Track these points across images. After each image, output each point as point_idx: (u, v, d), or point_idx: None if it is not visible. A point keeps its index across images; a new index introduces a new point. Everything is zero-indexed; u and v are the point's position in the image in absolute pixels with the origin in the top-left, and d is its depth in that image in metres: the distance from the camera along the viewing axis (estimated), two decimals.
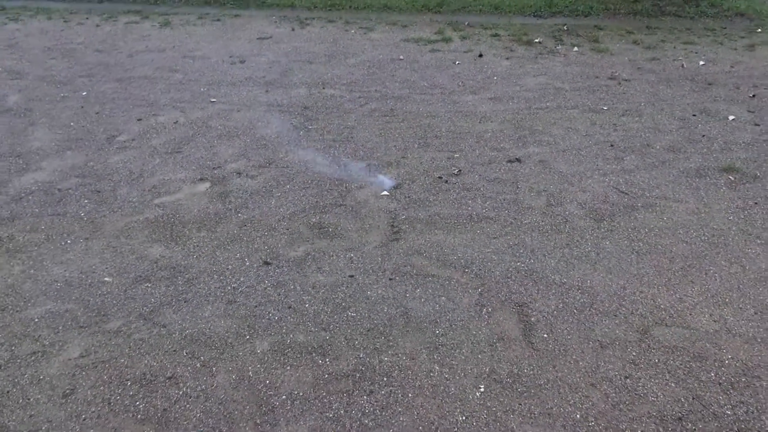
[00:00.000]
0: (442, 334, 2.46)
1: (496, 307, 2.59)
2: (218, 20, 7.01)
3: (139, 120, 4.43)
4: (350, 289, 2.72)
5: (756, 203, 3.21)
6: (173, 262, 2.91)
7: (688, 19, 6.50)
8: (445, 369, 2.29)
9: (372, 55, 5.76)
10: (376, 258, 2.92)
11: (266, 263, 2.90)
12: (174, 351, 2.39)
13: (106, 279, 2.80)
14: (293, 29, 6.65)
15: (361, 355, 2.36)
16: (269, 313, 2.60)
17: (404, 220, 3.21)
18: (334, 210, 3.32)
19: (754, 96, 4.53)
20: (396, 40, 6.19)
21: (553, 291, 2.66)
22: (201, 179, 3.63)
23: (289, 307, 2.63)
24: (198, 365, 2.32)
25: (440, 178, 3.60)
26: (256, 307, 2.63)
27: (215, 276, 2.82)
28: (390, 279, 2.78)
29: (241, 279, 2.80)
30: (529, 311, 2.56)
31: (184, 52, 5.93)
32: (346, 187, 3.53)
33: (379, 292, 2.70)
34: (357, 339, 2.45)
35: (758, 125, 4.07)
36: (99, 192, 3.51)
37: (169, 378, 2.27)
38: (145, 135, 4.20)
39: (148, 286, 2.75)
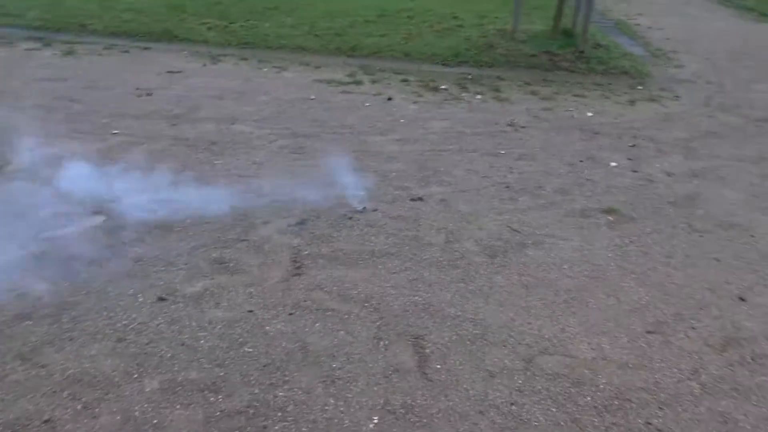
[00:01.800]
0: (338, 368, 2.48)
1: (393, 339, 2.65)
2: (126, 52, 6.86)
3: (31, 150, 4.22)
4: (248, 325, 2.70)
5: (631, 241, 3.50)
6: (59, 299, 2.77)
7: (579, 74, 7.06)
8: (340, 402, 2.31)
9: (283, 93, 5.83)
10: (277, 293, 2.92)
11: (161, 299, 2.83)
12: (53, 393, 2.26)
13: None
14: (205, 65, 6.62)
15: (256, 391, 2.33)
16: (161, 350, 2.52)
17: (307, 256, 3.24)
18: (236, 245, 3.29)
19: (633, 145, 4.97)
20: (308, 80, 6.30)
21: (448, 323, 2.76)
22: (96, 212, 3.50)
23: (183, 344, 2.56)
24: (79, 407, 2.21)
25: (345, 214, 3.67)
26: (147, 344, 2.55)
27: (104, 313, 2.71)
28: (290, 314, 2.78)
29: (133, 316, 2.71)
30: (425, 343, 2.64)
31: (86, 82, 5.75)
32: (250, 222, 3.52)
33: (278, 326, 2.70)
34: (253, 375, 2.42)
35: (636, 171, 4.47)
36: None
37: (46, 422, 2.14)
38: (38, 165, 4.01)
39: (29, 324, 2.60)
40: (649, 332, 2.74)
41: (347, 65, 6.90)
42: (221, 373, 2.41)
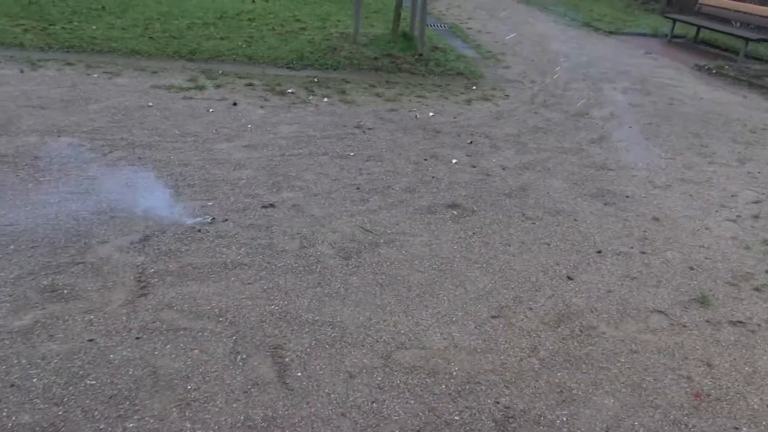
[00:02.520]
0: (194, 389, 2.37)
1: (251, 352, 2.59)
2: None
3: None
4: (89, 355, 2.49)
5: (474, 233, 3.75)
6: None
7: (420, 76, 7.40)
8: (197, 425, 2.21)
9: (118, 101, 5.44)
10: (121, 317, 2.72)
11: None
12: None
13: None
14: (22, 71, 5.96)
15: (102, 426, 2.16)
16: None
17: (153, 274, 3.05)
18: (71, 269, 3.02)
19: (471, 143, 5.32)
20: (145, 86, 5.93)
21: (306, 329, 2.76)
22: None
23: (12, 385, 2.30)
24: None
25: (192, 227, 3.51)
26: None
27: None
28: (137, 338, 2.61)
29: None
30: (284, 352, 2.61)
31: None
32: (85, 243, 3.24)
33: (124, 353, 2.52)
34: (97, 409, 2.24)
35: (474, 167, 4.79)
36: None
37: None
38: None
39: None
40: (493, 317, 2.95)
41: (187, 70, 6.60)
42: (60, 412, 2.20)
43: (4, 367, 2.38)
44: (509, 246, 3.63)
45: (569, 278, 3.35)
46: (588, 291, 3.25)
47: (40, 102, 5.19)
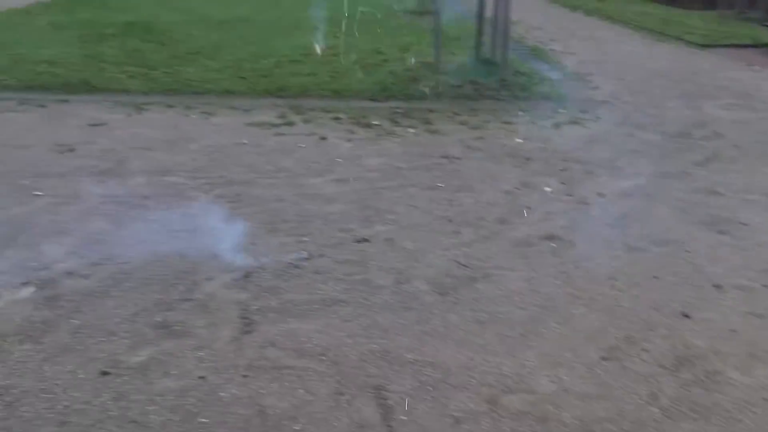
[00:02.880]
0: (301, 430, 2.38)
1: (355, 393, 2.58)
2: (43, 106, 6.54)
3: None
4: (201, 393, 2.56)
5: (575, 267, 3.60)
6: None
7: (504, 101, 7.31)
8: None
9: (215, 140, 5.70)
10: (228, 354, 2.80)
11: (104, 373, 2.64)
12: None
13: None
14: (129, 115, 6.40)
15: None
16: (109, 431, 2.34)
17: (256, 311, 3.13)
18: (181, 306, 3.14)
19: (564, 169, 5.16)
20: (239, 124, 6.20)
21: (408, 370, 2.72)
22: (24, 284, 3.26)
23: (133, 421, 2.40)
24: None
25: (290, 263, 3.58)
26: (92, 425, 2.37)
27: (43, 395, 2.50)
28: (244, 376, 2.67)
29: (75, 395, 2.52)
30: (387, 393, 2.58)
31: (1, 142, 5.42)
32: (192, 281, 3.38)
33: (233, 391, 2.57)
34: None
35: (570, 195, 4.63)
36: None
37: None
38: None
39: None
40: (604, 359, 2.80)
41: (277, 106, 6.84)
42: None
43: (124, 402, 2.49)
44: (615, 280, 3.45)
45: (685, 316, 3.13)
46: (709, 330, 3.02)
47: (145, 143, 5.53)
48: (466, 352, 2.84)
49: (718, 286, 3.40)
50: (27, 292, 3.20)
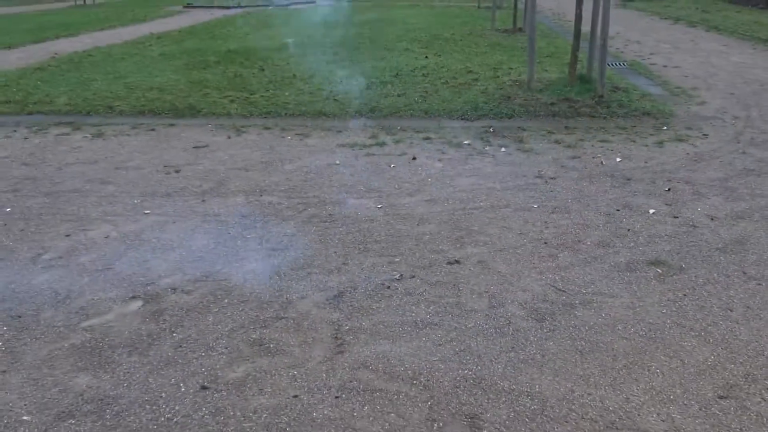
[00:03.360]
0: None
1: (447, 420, 2.51)
2: (152, 130, 7.01)
3: (67, 236, 4.25)
4: (294, 412, 2.59)
5: (685, 295, 3.34)
6: (101, 393, 2.69)
7: (601, 119, 7.02)
8: None
9: (309, 160, 5.86)
10: (321, 374, 2.81)
11: (204, 388, 2.74)
12: None
13: (25, 418, 2.55)
14: (229, 137, 6.72)
15: None
16: None
17: (348, 331, 3.14)
18: (275, 324, 3.21)
19: (669, 189, 4.85)
20: (331, 145, 6.35)
21: (503, 399, 2.62)
22: (132, 297, 3.47)
23: None
24: None
25: (382, 283, 3.58)
26: None
27: (147, 406, 2.62)
28: (336, 397, 2.67)
29: (177, 408, 2.62)
30: (481, 423, 2.49)
31: (116, 163, 5.85)
32: (287, 299, 3.45)
33: (325, 412, 2.58)
34: None
35: (677, 218, 4.33)
36: (20, 317, 3.27)
37: None
38: (74, 252, 4.02)
39: (72, 423, 2.52)
40: (721, 397, 2.56)
41: (368, 127, 6.95)
42: None
43: (222, 417, 2.56)
44: (731, 311, 3.17)
45: None
46: None
47: (244, 164, 5.78)
48: (565, 382, 2.69)
49: None
50: (135, 305, 3.40)
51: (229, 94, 8.43)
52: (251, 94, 8.39)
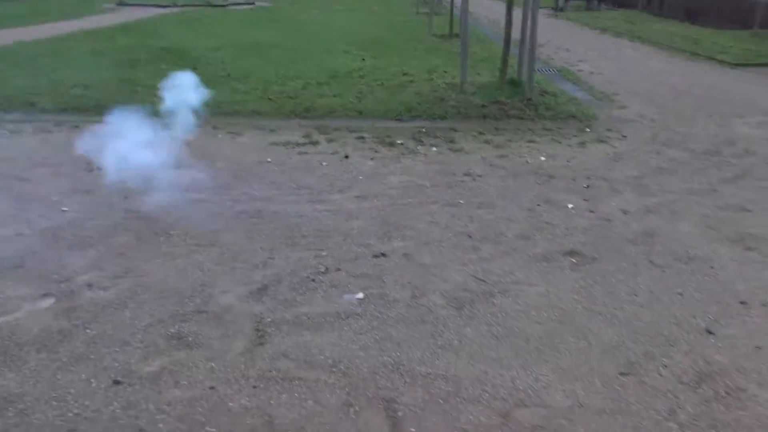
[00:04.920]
0: None
1: (364, 405, 2.54)
2: (77, 127, 6.76)
3: None
4: (210, 403, 2.56)
5: (596, 282, 3.51)
6: (4, 392, 2.58)
7: (529, 120, 7.26)
8: None
9: (240, 158, 5.80)
10: (240, 365, 2.80)
11: (116, 382, 2.67)
12: None
13: None
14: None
15: None
16: None
17: (270, 323, 3.13)
18: (195, 317, 3.17)
19: (588, 186, 5.08)
20: (264, 143, 6.30)
21: (420, 383, 2.67)
22: (44, 295, 3.34)
23: (141, 430, 2.40)
24: None
25: (307, 277, 3.59)
26: None
27: (54, 402, 2.53)
28: (254, 387, 2.66)
29: (86, 403, 2.54)
30: (397, 406, 2.54)
31: (36, 161, 5.61)
32: (209, 293, 3.40)
33: (242, 402, 2.56)
34: None
35: (593, 212, 4.54)
36: None
37: None
38: None
39: None
40: (622, 374, 2.70)
41: (302, 127, 6.94)
42: None
43: (134, 411, 2.50)
44: (636, 296, 3.35)
45: (709, 332, 3.01)
46: (732, 347, 2.90)
47: (172, 161, 5.64)
48: (479, 365, 2.78)
49: (744, 303, 3.28)
50: (47, 303, 3.27)
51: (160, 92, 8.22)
52: None
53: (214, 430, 2.41)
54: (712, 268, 3.67)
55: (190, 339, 2.99)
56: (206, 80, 8.87)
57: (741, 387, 2.62)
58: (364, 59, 11.10)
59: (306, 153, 6.00)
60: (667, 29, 16.54)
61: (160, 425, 2.42)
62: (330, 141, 6.39)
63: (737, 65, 11.07)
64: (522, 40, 8.27)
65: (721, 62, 11.37)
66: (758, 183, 5.14)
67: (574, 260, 3.78)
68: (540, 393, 2.59)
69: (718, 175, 5.35)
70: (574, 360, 2.80)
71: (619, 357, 2.82)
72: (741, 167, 5.55)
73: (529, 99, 7.88)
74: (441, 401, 2.55)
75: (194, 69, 9.65)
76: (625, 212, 4.53)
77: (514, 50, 8.61)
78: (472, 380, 2.68)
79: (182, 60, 10.60)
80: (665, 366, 2.76)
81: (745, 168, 5.53)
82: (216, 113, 7.37)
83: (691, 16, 17.81)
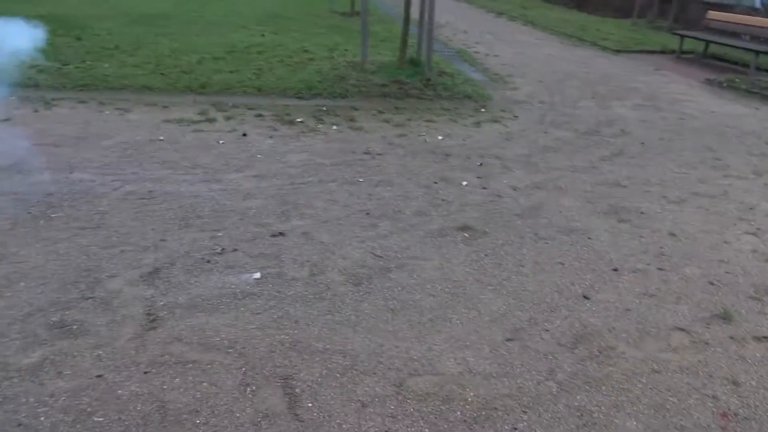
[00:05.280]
0: (203, 423, 2.32)
1: (261, 384, 2.54)
2: None
3: None
4: (97, 391, 2.45)
5: (486, 255, 3.69)
6: None
7: (427, 100, 7.42)
8: None
9: (129, 136, 5.50)
10: (129, 351, 2.69)
11: None
12: None
13: None
14: (37, 110, 6.07)
15: None
16: None
17: (162, 307, 3.03)
18: (81, 304, 3.00)
19: (481, 164, 5.29)
20: (156, 121, 6.01)
21: (317, 358, 2.71)
22: None
23: (20, 425, 2.27)
24: None
25: (202, 258, 3.49)
26: None
27: None
28: (145, 372, 2.57)
29: None
30: (294, 383, 2.56)
31: None
32: (95, 278, 3.23)
33: (132, 388, 2.48)
34: None
35: (485, 188, 4.75)
36: None
37: None
38: None
39: None
40: (508, 340, 2.88)
41: (198, 103, 6.68)
42: None
43: (12, 406, 2.35)
44: (522, 267, 3.56)
45: (585, 297, 3.27)
46: (605, 310, 3.16)
47: (53, 140, 5.27)
48: (375, 339, 2.85)
49: (616, 270, 3.58)
50: None
51: (37, 63, 7.59)
52: (64, 65, 7.63)
53: (101, 419, 2.31)
54: (589, 239, 3.97)
55: (75, 327, 2.83)
56: (90, 53, 8.32)
57: (612, 346, 2.87)
58: (263, 35, 10.81)
59: (202, 131, 5.79)
60: (557, 15, 17.40)
61: (42, 418, 2.30)
62: (227, 118, 6.21)
63: (618, 51, 11.87)
64: (421, 21, 8.38)
65: (605, 48, 12.14)
66: (632, 160, 5.58)
67: (467, 235, 3.94)
68: (432, 362, 2.71)
69: (598, 153, 5.76)
70: (464, 329, 2.95)
71: (505, 324, 3.00)
72: (617, 146, 6.00)
73: (428, 79, 8.04)
74: (338, 375, 2.60)
75: (78, 39, 9.03)
76: (514, 188, 4.78)
77: (414, 30, 8.72)
78: (368, 353, 2.75)
79: (63, 29, 9.83)
80: (546, 330, 2.97)
81: (621, 147, 5.98)
82: (102, 88, 6.93)
83: (580, 3, 18.84)
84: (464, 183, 4.83)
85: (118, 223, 3.84)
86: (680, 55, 11.53)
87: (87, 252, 3.48)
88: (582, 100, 7.81)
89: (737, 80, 9.20)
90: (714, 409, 2.52)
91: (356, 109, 6.86)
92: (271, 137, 5.74)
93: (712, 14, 11.44)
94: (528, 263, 3.61)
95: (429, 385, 2.56)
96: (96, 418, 2.32)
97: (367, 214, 4.20)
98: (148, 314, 2.97)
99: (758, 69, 9.77)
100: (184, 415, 2.35)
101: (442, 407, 2.44)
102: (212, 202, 4.25)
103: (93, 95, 6.71)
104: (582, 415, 2.44)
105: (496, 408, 2.45)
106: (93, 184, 4.41)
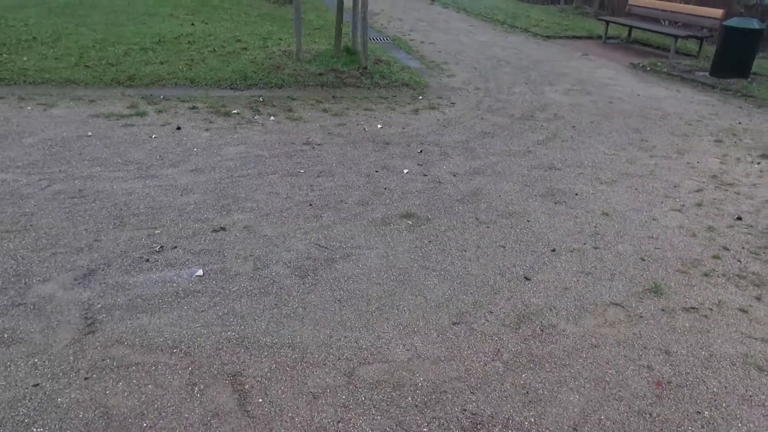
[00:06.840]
0: (150, 426, 2.26)
1: (209, 382, 2.49)
2: None
3: None
4: (35, 401, 2.34)
5: (430, 241, 3.74)
6: None
7: (365, 89, 7.41)
8: None
9: (54, 132, 5.23)
10: (68, 358, 2.58)
11: None
12: None
13: None
14: None
15: None
16: None
17: (100, 309, 2.91)
18: (11, 312, 2.85)
19: (421, 152, 5.34)
20: (83, 116, 5.73)
21: (265, 353, 2.68)
22: None
23: None
24: None
25: (140, 257, 3.38)
26: None
27: None
28: (86, 378, 2.48)
29: None
30: (243, 379, 2.52)
31: None
32: (25, 283, 3.07)
33: (73, 395, 2.38)
34: None
35: (426, 175, 4.80)
36: None
37: None
38: None
39: None
40: (454, 324, 2.94)
41: (127, 96, 6.42)
42: None
43: None
44: (465, 251, 3.64)
45: (526, 278, 3.37)
46: (545, 290, 3.28)
47: None
48: (324, 330, 2.85)
49: (554, 250, 3.71)
50: None
51: None
52: None
53: (41, 429, 2.21)
54: (528, 221, 4.09)
55: (6, 336, 2.69)
56: (5, 45, 7.84)
57: (553, 324, 2.98)
58: (193, 24, 10.48)
59: (132, 125, 5.58)
60: (489, 2, 17.69)
61: None
62: (159, 112, 6.00)
63: (548, 37, 12.20)
64: (354, 9, 8.34)
65: (535, 35, 12.46)
66: (564, 143, 5.77)
67: (410, 222, 3.98)
68: (382, 349, 2.73)
69: (533, 137, 5.93)
70: (412, 315, 2.99)
71: (451, 308, 3.06)
72: (551, 130, 6.19)
73: (365, 68, 8.03)
74: (288, 368, 2.59)
75: None
76: (454, 174, 4.85)
77: (348, 18, 8.67)
78: (317, 345, 2.74)
79: None
80: (491, 312, 3.05)
81: (554, 131, 6.17)
82: (22, 82, 6.55)
83: None
84: (405, 171, 4.87)
85: (47, 225, 3.66)
86: (606, 40, 11.98)
87: (15, 256, 3.30)
88: (516, 86, 7.99)
89: (659, 64, 9.66)
90: (649, 379, 2.66)
91: (293, 99, 6.78)
92: (207, 130, 5.59)
93: (635, 0, 11.92)
94: (470, 248, 3.68)
95: (379, 372, 2.59)
96: (35, 429, 2.21)
97: (310, 205, 4.17)
98: (86, 318, 2.85)
99: (677, 53, 10.28)
100: (130, 420, 2.28)
101: (393, 394, 2.47)
102: (148, 199, 4.11)
103: (11, 90, 6.34)
104: (528, 392, 2.53)
105: (445, 391, 2.51)
106: (17, 185, 4.17)
